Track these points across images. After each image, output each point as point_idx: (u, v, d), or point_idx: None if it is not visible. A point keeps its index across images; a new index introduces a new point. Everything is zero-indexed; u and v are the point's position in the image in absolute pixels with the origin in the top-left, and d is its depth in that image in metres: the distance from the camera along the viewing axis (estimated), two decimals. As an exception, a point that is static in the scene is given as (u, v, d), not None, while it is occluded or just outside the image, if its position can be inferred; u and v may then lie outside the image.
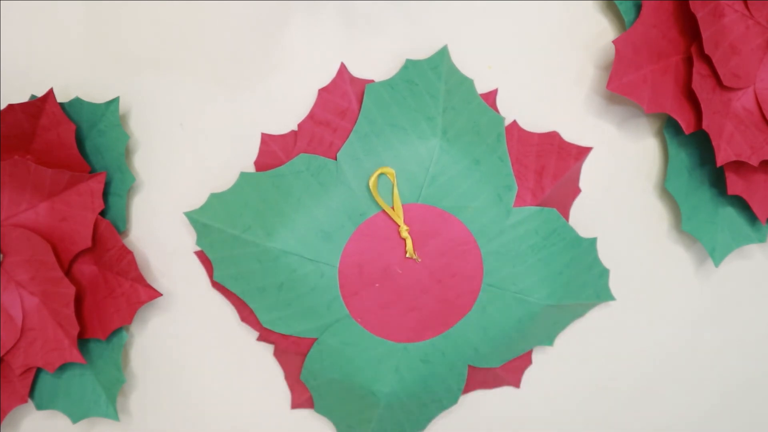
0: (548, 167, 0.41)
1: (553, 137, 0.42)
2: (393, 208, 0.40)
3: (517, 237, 0.41)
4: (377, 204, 0.40)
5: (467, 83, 0.40)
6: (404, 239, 0.41)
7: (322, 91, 0.41)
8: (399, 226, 0.40)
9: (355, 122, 0.40)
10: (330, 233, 0.40)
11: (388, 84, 0.40)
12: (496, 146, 0.40)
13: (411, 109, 0.40)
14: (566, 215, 0.43)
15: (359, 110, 0.40)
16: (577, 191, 0.43)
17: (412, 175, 0.40)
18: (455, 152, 0.40)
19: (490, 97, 0.42)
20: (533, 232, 0.41)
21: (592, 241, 0.42)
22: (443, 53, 0.40)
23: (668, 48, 0.40)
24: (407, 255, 0.41)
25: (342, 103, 0.41)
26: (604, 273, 0.43)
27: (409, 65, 0.40)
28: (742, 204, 0.43)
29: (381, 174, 0.40)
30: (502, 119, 0.40)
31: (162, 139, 0.44)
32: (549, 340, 0.44)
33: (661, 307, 0.45)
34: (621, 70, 0.39)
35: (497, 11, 0.42)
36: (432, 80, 0.40)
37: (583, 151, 0.42)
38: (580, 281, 0.42)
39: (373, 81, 0.41)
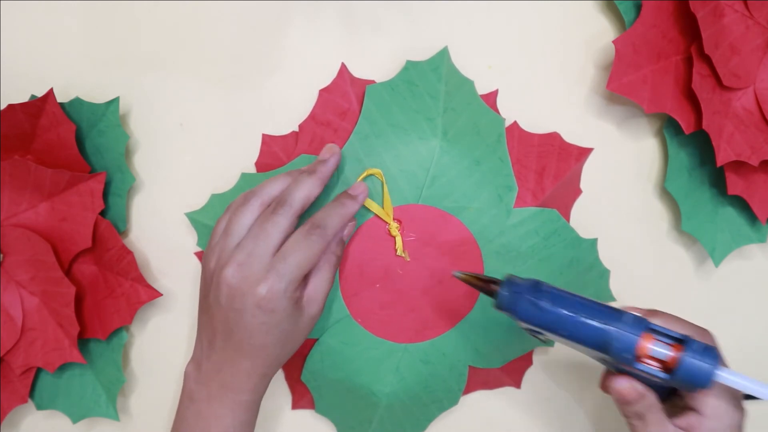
0: (549, 168, 0.41)
1: (553, 138, 0.42)
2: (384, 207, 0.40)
3: (518, 237, 0.41)
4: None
5: (468, 84, 0.40)
6: (393, 237, 0.41)
7: (323, 92, 0.41)
8: (388, 224, 0.40)
9: (356, 123, 0.40)
10: None
11: (389, 85, 0.40)
12: (496, 147, 0.40)
13: (411, 109, 0.40)
14: (567, 215, 0.43)
15: (360, 111, 0.40)
16: (578, 192, 0.43)
17: (412, 175, 0.40)
18: (456, 153, 0.40)
19: (491, 98, 0.42)
20: (534, 233, 0.41)
21: (593, 242, 0.42)
22: (443, 54, 0.40)
23: (668, 48, 0.40)
24: (397, 253, 0.41)
25: (343, 104, 0.41)
26: (605, 273, 0.43)
27: (410, 66, 0.40)
28: (742, 204, 0.43)
29: (371, 175, 0.40)
30: (503, 120, 0.40)
31: (162, 139, 0.44)
32: (551, 342, 0.44)
33: (661, 307, 0.45)
34: (621, 70, 0.39)
35: (497, 11, 0.42)
36: (432, 81, 0.40)
37: (584, 152, 0.42)
38: (581, 282, 0.42)
39: (373, 81, 0.41)
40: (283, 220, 0.35)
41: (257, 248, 0.34)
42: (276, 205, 0.35)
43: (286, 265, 0.34)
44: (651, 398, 0.32)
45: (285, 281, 0.34)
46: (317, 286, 0.36)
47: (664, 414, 0.33)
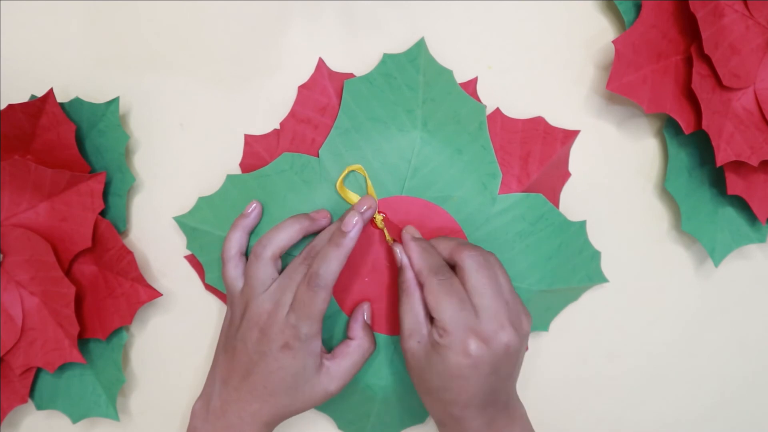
0: (534, 153, 0.41)
1: (537, 122, 0.41)
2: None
3: (504, 224, 0.41)
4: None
5: (446, 74, 0.40)
6: (381, 229, 0.41)
7: (302, 88, 0.41)
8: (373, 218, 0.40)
9: (336, 118, 0.40)
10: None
11: (366, 79, 0.40)
12: (478, 135, 0.40)
13: (390, 102, 0.40)
14: (556, 199, 0.43)
15: (339, 105, 0.40)
16: (566, 175, 0.43)
17: (394, 168, 0.40)
18: (437, 143, 0.40)
19: (470, 86, 0.41)
20: (520, 219, 0.41)
21: (581, 224, 0.42)
22: (420, 45, 0.40)
23: (668, 48, 0.40)
24: (389, 243, 0.41)
25: (322, 99, 0.41)
26: (596, 255, 0.43)
27: (387, 59, 0.40)
28: (742, 204, 0.43)
29: (353, 171, 0.40)
30: (484, 107, 0.40)
31: (162, 139, 0.44)
32: (544, 326, 0.44)
33: (661, 307, 0.45)
34: (621, 70, 0.39)
35: (498, 11, 0.42)
36: (410, 73, 0.40)
37: (569, 135, 0.42)
38: (571, 265, 0.42)
39: (352, 74, 0.41)
40: (320, 296, 0.36)
41: (285, 298, 0.36)
42: (310, 279, 0.36)
43: (297, 319, 0.36)
44: (410, 274, 0.37)
45: (302, 332, 0.36)
46: (342, 365, 0.38)
47: (416, 291, 0.37)
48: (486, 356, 0.34)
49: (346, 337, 0.40)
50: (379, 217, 0.40)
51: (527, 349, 0.44)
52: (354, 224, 0.37)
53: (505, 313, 0.35)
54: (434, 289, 0.35)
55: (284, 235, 0.38)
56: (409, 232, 0.39)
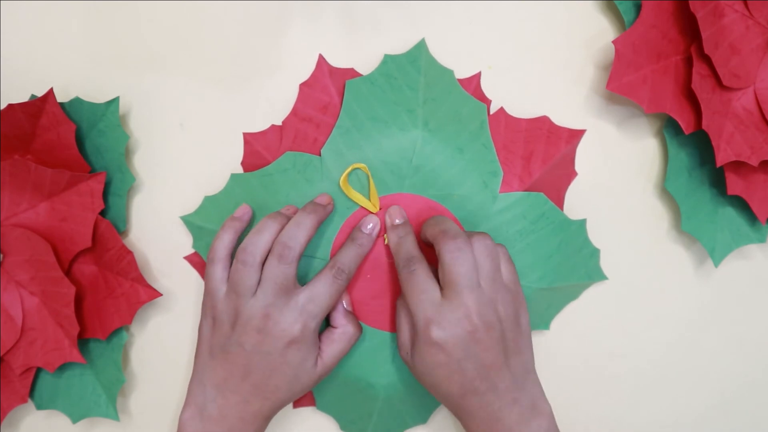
0: (537, 152, 0.41)
1: (542, 122, 0.41)
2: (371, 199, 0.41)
3: (505, 222, 0.41)
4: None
5: (447, 74, 0.40)
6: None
7: (303, 86, 0.41)
8: (373, 214, 0.41)
9: (337, 116, 0.40)
10: (319, 229, 0.40)
11: (368, 79, 0.40)
12: (479, 134, 0.40)
13: (391, 102, 0.40)
14: (561, 198, 0.43)
15: (341, 103, 0.40)
16: (572, 174, 0.43)
17: (395, 166, 0.40)
18: (438, 142, 0.40)
19: (473, 82, 0.41)
20: (520, 217, 0.41)
21: (581, 223, 0.42)
22: (421, 47, 0.40)
23: (668, 48, 0.40)
24: (385, 242, 0.41)
25: (323, 98, 0.41)
26: (595, 253, 0.43)
27: (388, 60, 0.40)
28: (742, 204, 0.43)
29: (357, 168, 0.40)
30: (485, 107, 0.40)
31: (162, 139, 0.44)
32: (545, 324, 0.44)
33: (660, 306, 0.45)
34: (621, 70, 0.39)
35: (498, 11, 0.42)
36: (411, 73, 0.40)
37: (575, 134, 0.42)
38: (571, 263, 0.42)
39: (352, 69, 0.41)
40: (291, 270, 0.37)
41: (278, 300, 0.37)
42: (281, 251, 0.37)
43: (316, 307, 0.37)
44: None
45: (316, 320, 0.37)
46: (330, 352, 0.39)
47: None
48: (450, 340, 0.35)
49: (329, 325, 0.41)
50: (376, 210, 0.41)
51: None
52: (372, 227, 0.40)
53: (475, 301, 0.35)
54: (403, 282, 0.37)
55: (268, 237, 0.38)
56: (391, 217, 0.40)
